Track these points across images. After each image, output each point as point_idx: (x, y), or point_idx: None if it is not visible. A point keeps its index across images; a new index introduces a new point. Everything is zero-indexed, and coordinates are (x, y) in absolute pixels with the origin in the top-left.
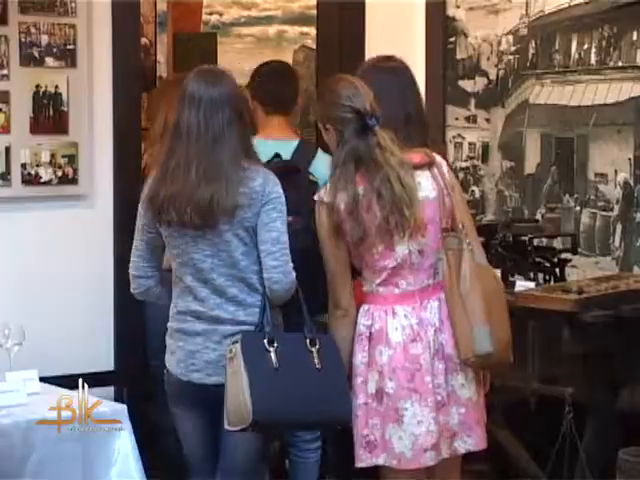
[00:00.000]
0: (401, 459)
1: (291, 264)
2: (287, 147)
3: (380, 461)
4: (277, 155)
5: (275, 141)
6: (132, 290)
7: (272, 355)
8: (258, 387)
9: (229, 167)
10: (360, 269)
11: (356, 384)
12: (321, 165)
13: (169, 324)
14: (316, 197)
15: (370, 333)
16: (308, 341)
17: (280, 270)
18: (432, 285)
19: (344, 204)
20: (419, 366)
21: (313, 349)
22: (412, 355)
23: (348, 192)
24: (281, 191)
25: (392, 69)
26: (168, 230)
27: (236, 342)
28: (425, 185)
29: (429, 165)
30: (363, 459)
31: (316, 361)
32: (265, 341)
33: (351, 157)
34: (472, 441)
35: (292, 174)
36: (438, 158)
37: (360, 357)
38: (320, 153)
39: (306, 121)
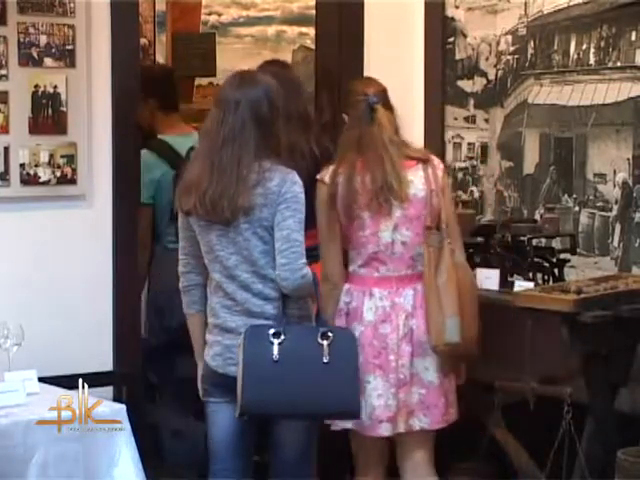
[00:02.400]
0: (361, 425)
1: (302, 261)
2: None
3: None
4: (193, 148)
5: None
6: (180, 285)
7: (274, 347)
8: (250, 378)
9: (242, 167)
10: (347, 250)
11: None
12: None
13: (208, 320)
14: (318, 177)
15: (348, 310)
16: (320, 334)
17: (288, 268)
18: (410, 275)
19: (342, 177)
20: (385, 345)
21: (324, 342)
22: (380, 334)
23: (346, 168)
24: (298, 190)
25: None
26: (197, 228)
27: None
28: (416, 183)
29: (424, 162)
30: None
31: (325, 354)
32: (271, 332)
33: (354, 139)
34: (427, 420)
35: None
36: (436, 160)
37: None
38: None
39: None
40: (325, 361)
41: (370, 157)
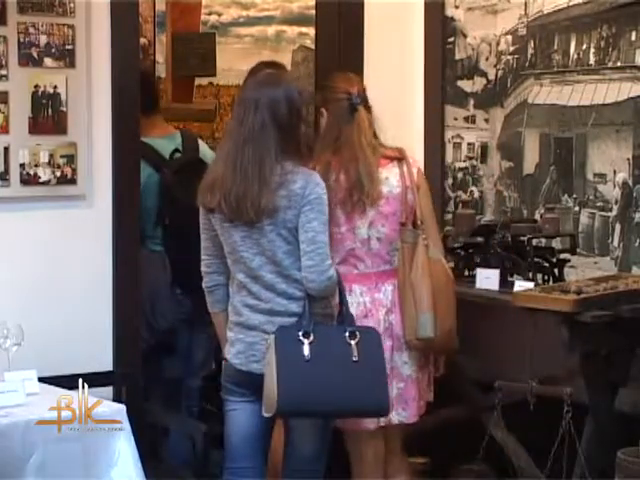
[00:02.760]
0: (348, 420)
1: (328, 262)
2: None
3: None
4: (177, 150)
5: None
6: (204, 285)
7: (305, 347)
8: (285, 378)
9: (263, 169)
10: None
11: None
12: (205, 150)
13: (230, 318)
14: None
15: None
16: (347, 334)
17: (314, 269)
18: (389, 271)
19: (320, 174)
20: None
21: (352, 342)
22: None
23: (322, 166)
24: (321, 191)
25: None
26: (220, 229)
27: (273, 333)
28: (391, 180)
29: (399, 160)
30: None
31: (354, 353)
32: (300, 333)
33: (332, 138)
34: (406, 414)
35: (196, 165)
36: (411, 158)
37: None
38: (201, 141)
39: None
40: (354, 360)
41: (345, 156)
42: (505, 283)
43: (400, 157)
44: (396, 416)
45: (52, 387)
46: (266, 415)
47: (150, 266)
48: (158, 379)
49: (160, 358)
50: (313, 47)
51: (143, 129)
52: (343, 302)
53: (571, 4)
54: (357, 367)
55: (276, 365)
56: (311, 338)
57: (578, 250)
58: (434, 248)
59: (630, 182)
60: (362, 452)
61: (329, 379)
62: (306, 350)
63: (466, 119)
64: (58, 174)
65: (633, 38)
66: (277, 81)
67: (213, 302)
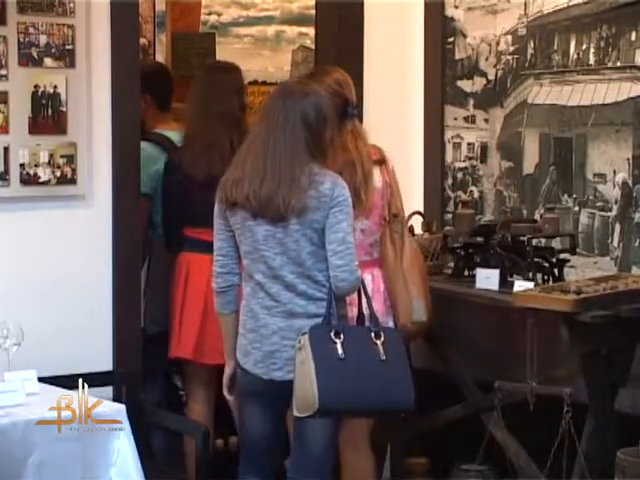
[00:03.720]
0: None
1: (356, 263)
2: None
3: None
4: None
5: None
6: (217, 286)
7: (338, 346)
8: (324, 376)
9: (294, 169)
10: None
11: None
12: None
13: (245, 323)
14: None
15: None
16: (373, 334)
17: (346, 269)
18: (368, 261)
19: None
20: None
21: (378, 341)
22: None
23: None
24: (347, 194)
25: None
26: (241, 228)
27: (305, 333)
28: (375, 177)
29: (380, 162)
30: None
31: (381, 352)
32: (332, 333)
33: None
34: None
35: None
36: (388, 158)
37: None
38: None
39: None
40: (382, 359)
41: (340, 159)
42: (505, 283)
43: (382, 159)
44: None
45: (52, 387)
46: (299, 415)
47: (161, 251)
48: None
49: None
50: (313, 47)
51: (156, 123)
52: (368, 302)
53: (571, 4)
54: (385, 366)
55: (314, 365)
56: (342, 338)
57: (578, 250)
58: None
59: (630, 182)
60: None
61: (362, 378)
62: (339, 349)
63: (466, 119)
64: (58, 174)
65: (633, 38)
66: (306, 90)
67: (224, 303)
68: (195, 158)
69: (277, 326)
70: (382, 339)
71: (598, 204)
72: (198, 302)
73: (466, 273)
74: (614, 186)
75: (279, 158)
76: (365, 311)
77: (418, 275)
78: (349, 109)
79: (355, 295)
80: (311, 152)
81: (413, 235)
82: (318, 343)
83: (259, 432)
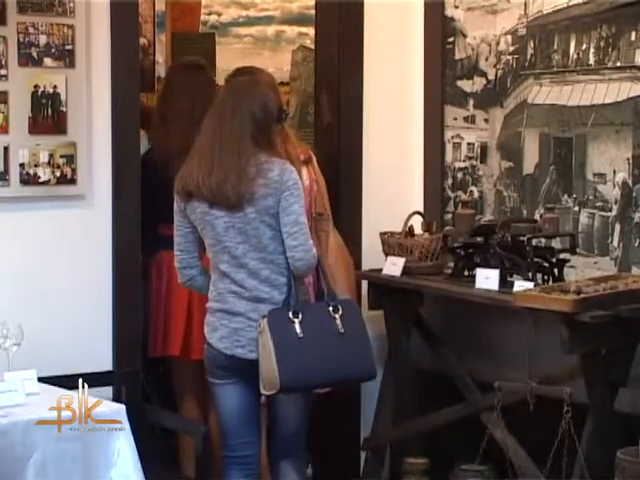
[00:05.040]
0: None
1: (311, 241)
2: None
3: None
4: None
5: None
6: (179, 281)
7: (296, 326)
8: (284, 356)
9: (241, 158)
10: None
11: None
12: None
13: (210, 305)
14: None
15: None
16: (331, 309)
17: (301, 248)
18: None
19: None
20: None
21: (336, 315)
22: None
23: None
24: (296, 178)
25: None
26: (202, 223)
27: (264, 317)
28: (303, 176)
29: (307, 161)
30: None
31: (339, 326)
32: (290, 313)
33: None
34: None
35: None
36: (313, 156)
37: None
38: None
39: (305, 120)
40: (341, 332)
41: None
42: (505, 283)
43: (309, 157)
44: None
45: (52, 387)
46: (266, 394)
47: None
48: None
49: None
50: (313, 47)
51: None
52: (325, 278)
53: (571, 4)
54: (344, 338)
55: (273, 347)
56: (300, 317)
57: (578, 250)
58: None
59: (630, 182)
60: None
61: (322, 353)
62: (298, 329)
63: (466, 119)
64: (58, 174)
65: (633, 38)
66: (252, 87)
67: (199, 291)
68: (169, 156)
69: (244, 308)
70: (340, 312)
71: (598, 204)
72: (182, 300)
73: (466, 273)
74: (614, 186)
75: (226, 149)
76: (324, 286)
77: (344, 270)
78: (281, 113)
79: (311, 274)
80: (257, 143)
81: (413, 235)
82: (277, 325)
83: (233, 408)
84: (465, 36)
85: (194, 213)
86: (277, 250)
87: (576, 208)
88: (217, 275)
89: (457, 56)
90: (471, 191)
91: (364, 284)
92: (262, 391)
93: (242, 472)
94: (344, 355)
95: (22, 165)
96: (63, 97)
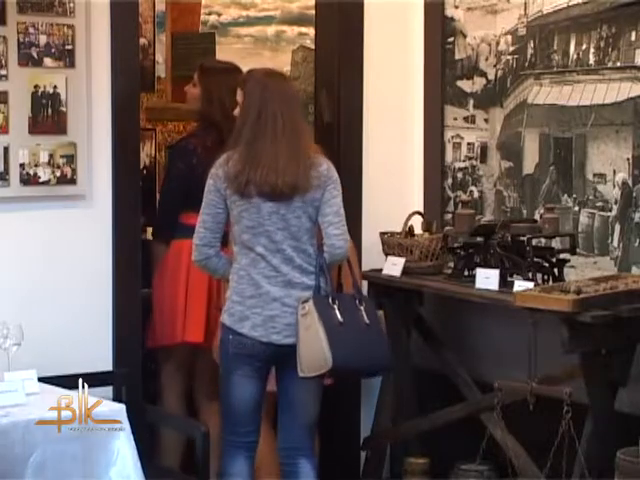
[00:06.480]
0: None
1: (347, 233)
2: None
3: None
4: None
5: None
6: (194, 258)
7: (337, 312)
8: (332, 338)
9: (303, 154)
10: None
11: None
12: None
13: (236, 291)
14: None
15: None
16: (357, 301)
17: (342, 237)
18: None
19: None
20: None
21: (361, 307)
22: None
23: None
24: (337, 175)
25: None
26: (244, 205)
27: (306, 301)
28: None
29: None
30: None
31: (365, 317)
32: (330, 299)
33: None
34: None
35: None
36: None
37: None
38: None
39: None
40: (367, 323)
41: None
42: (505, 283)
43: None
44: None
45: (52, 387)
46: (306, 375)
47: None
48: None
49: None
50: (313, 47)
51: None
52: (351, 271)
53: (571, 4)
54: (369, 329)
55: (323, 328)
56: (337, 304)
57: (578, 250)
58: None
59: (630, 182)
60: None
61: (357, 340)
62: (338, 314)
63: (466, 119)
64: (58, 174)
65: (633, 38)
66: (291, 86)
67: (212, 273)
68: (212, 146)
69: (278, 294)
70: (364, 305)
71: (598, 204)
72: (203, 287)
73: (466, 273)
74: (614, 186)
75: (281, 143)
76: (348, 279)
77: (355, 265)
78: None
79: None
80: (306, 137)
81: (413, 235)
82: (322, 309)
83: (247, 395)
84: (465, 36)
85: (235, 195)
86: (309, 241)
87: (576, 208)
88: (250, 259)
89: (457, 56)
90: (471, 191)
91: (364, 284)
92: (301, 374)
93: (245, 454)
94: (371, 344)
95: (22, 165)
96: (63, 97)
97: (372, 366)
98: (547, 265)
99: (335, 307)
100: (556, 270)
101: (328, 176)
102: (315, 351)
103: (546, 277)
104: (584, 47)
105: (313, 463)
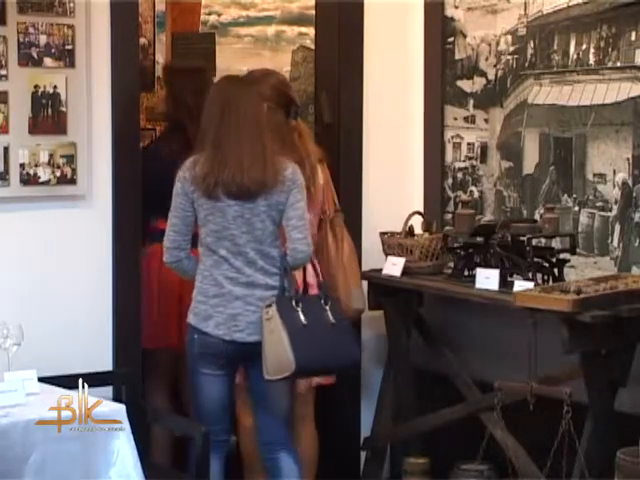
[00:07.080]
0: None
1: (310, 237)
2: None
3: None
4: None
5: None
6: (166, 260)
7: (300, 314)
8: (296, 341)
9: (269, 153)
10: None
11: None
12: None
13: (201, 291)
14: None
15: None
16: (322, 301)
17: (304, 241)
18: None
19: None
20: None
21: (327, 307)
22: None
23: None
24: (302, 178)
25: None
26: (209, 209)
27: (269, 305)
28: (318, 173)
29: (321, 160)
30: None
31: (330, 317)
32: (293, 302)
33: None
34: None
35: None
36: (325, 157)
37: None
38: None
39: (305, 121)
40: (332, 322)
41: (295, 157)
42: (505, 283)
43: (322, 157)
44: (315, 378)
45: (52, 387)
46: (271, 378)
47: None
48: None
49: None
50: (313, 47)
51: None
52: (316, 271)
53: (571, 4)
54: (335, 329)
55: (286, 332)
56: (301, 306)
57: (578, 250)
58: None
59: (630, 182)
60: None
61: (321, 341)
62: (302, 316)
63: (466, 119)
64: (58, 174)
65: (633, 38)
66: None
67: (183, 274)
68: (178, 148)
69: (240, 293)
70: (329, 304)
71: (598, 204)
72: (174, 292)
73: (466, 273)
74: (614, 186)
75: (248, 143)
76: (312, 279)
77: (356, 266)
78: (293, 108)
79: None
80: (273, 138)
81: (413, 235)
82: (285, 312)
83: (218, 396)
84: (465, 36)
85: (202, 198)
86: (272, 244)
87: (576, 208)
88: (213, 261)
89: (457, 56)
90: (471, 191)
91: (364, 284)
92: (267, 376)
93: (220, 454)
94: (337, 343)
95: (22, 165)
96: (63, 97)
97: (339, 365)
98: (547, 265)
99: (299, 309)
100: (556, 270)
101: (293, 180)
102: (279, 354)
103: (546, 277)
104: (584, 47)
105: (295, 457)
